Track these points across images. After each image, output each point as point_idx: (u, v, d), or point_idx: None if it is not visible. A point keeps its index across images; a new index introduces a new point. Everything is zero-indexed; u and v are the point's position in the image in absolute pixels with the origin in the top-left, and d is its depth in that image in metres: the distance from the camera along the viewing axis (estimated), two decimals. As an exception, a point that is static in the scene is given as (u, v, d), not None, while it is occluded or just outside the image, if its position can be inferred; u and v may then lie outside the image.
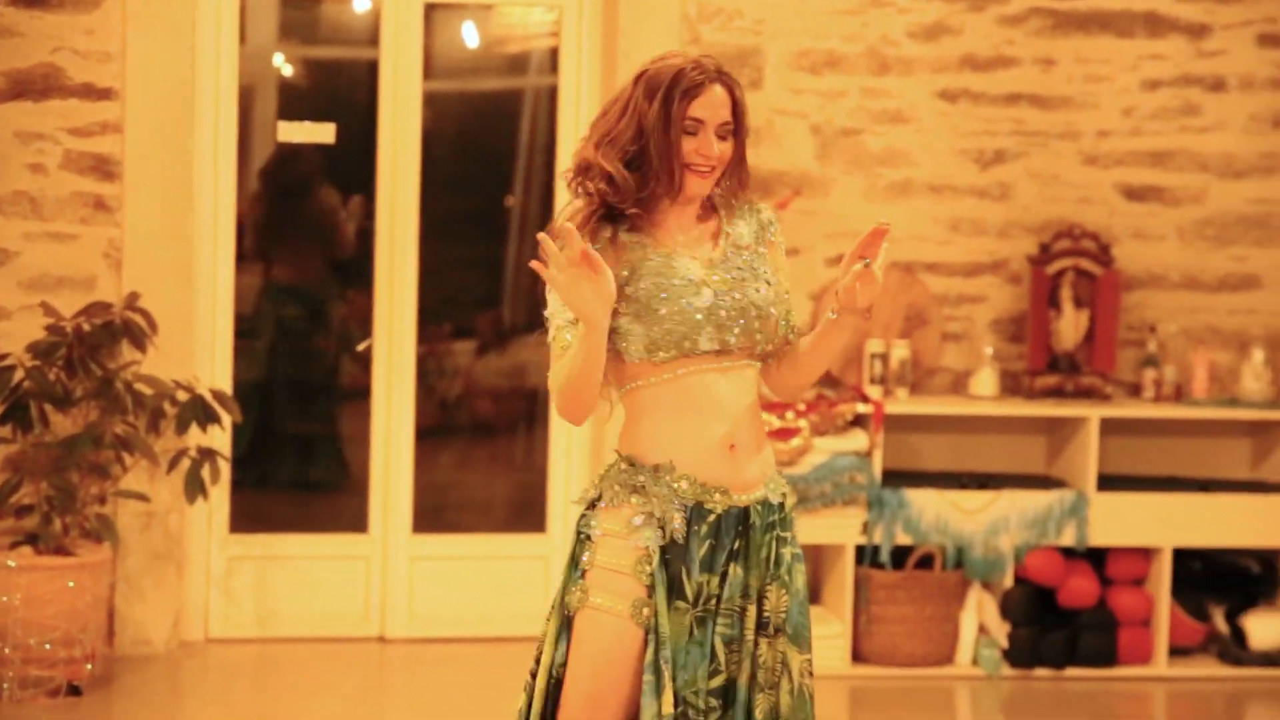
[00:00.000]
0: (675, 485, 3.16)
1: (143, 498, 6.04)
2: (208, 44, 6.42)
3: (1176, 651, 6.55)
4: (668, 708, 3.10)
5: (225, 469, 6.28)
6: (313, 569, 6.60)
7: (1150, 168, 6.80)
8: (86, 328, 5.94)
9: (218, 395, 6.04)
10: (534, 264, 3.05)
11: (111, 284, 6.23)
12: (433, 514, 6.72)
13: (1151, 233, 6.81)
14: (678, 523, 3.15)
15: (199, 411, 5.99)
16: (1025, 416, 6.60)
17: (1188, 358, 6.76)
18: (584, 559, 3.18)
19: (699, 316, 3.15)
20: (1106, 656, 6.42)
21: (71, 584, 5.72)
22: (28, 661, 5.67)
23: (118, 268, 6.24)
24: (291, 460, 6.84)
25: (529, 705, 3.23)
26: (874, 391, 6.44)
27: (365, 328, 6.68)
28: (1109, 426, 6.56)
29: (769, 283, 3.24)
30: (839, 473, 6.26)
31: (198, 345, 6.41)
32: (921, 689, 6.25)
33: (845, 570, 6.32)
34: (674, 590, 3.15)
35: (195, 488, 5.95)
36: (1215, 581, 6.68)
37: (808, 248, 6.65)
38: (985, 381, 6.58)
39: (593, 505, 3.23)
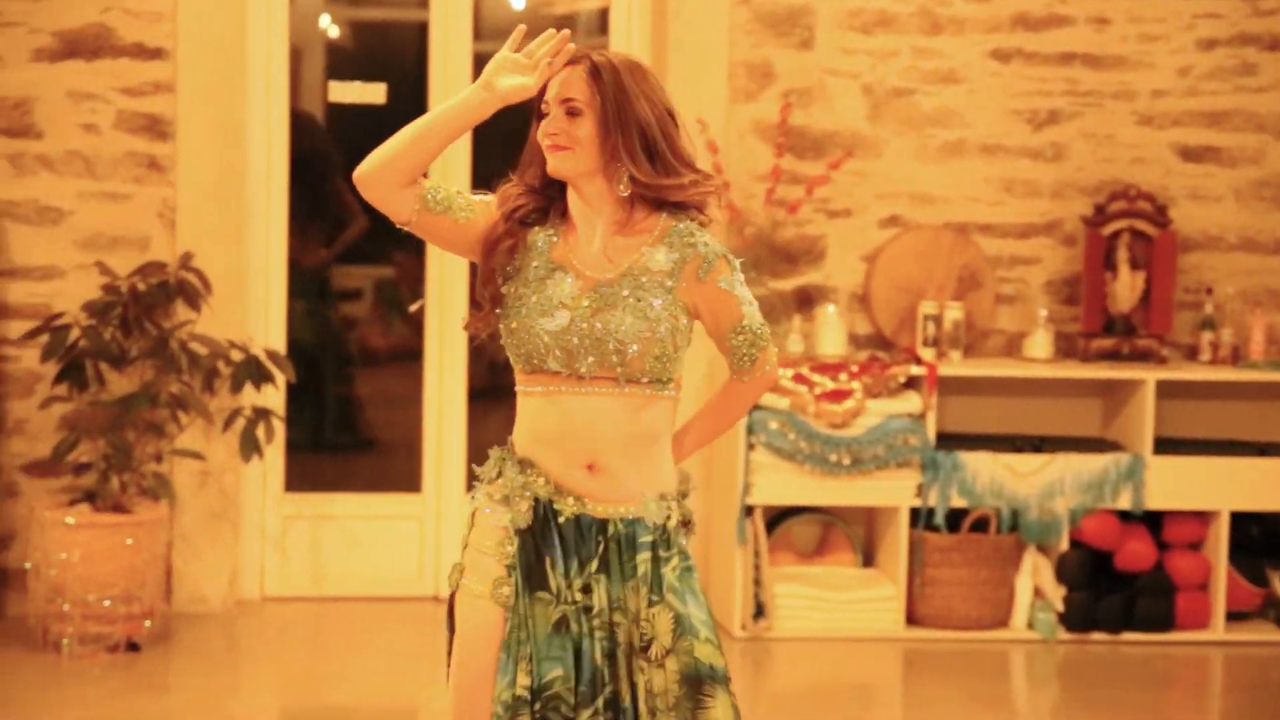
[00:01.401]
0: (532, 479, 3.13)
1: (198, 456, 6.05)
2: (258, 3, 6.41)
3: (1234, 616, 6.50)
4: (521, 688, 3.06)
5: (280, 429, 6.28)
6: (366, 528, 6.61)
7: (1206, 128, 6.74)
8: (141, 287, 5.95)
9: (272, 355, 6.05)
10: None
11: (165, 243, 6.23)
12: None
13: (1208, 193, 6.76)
14: (524, 509, 3.11)
15: (253, 371, 6.00)
16: (1080, 379, 6.56)
17: (1245, 320, 6.70)
18: (466, 535, 3.17)
19: (546, 339, 3.10)
20: (1163, 621, 6.38)
21: (129, 541, 5.74)
22: (87, 618, 5.70)
23: (171, 227, 6.24)
24: (345, 420, 6.84)
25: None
26: (927, 354, 6.41)
27: (417, 289, 6.67)
28: (1165, 389, 6.51)
29: (646, 318, 3.11)
30: (892, 435, 6.24)
31: (251, 305, 6.41)
32: (976, 652, 6.23)
33: (899, 533, 6.30)
34: (534, 578, 3.11)
35: (250, 447, 5.96)
36: (1273, 545, 6.64)
37: (860, 209, 6.62)
38: (1039, 344, 6.54)
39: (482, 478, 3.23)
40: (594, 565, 3.12)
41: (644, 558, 3.13)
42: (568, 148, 3.13)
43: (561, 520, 3.12)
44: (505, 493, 3.14)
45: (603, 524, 3.13)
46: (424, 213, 3.16)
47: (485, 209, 3.20)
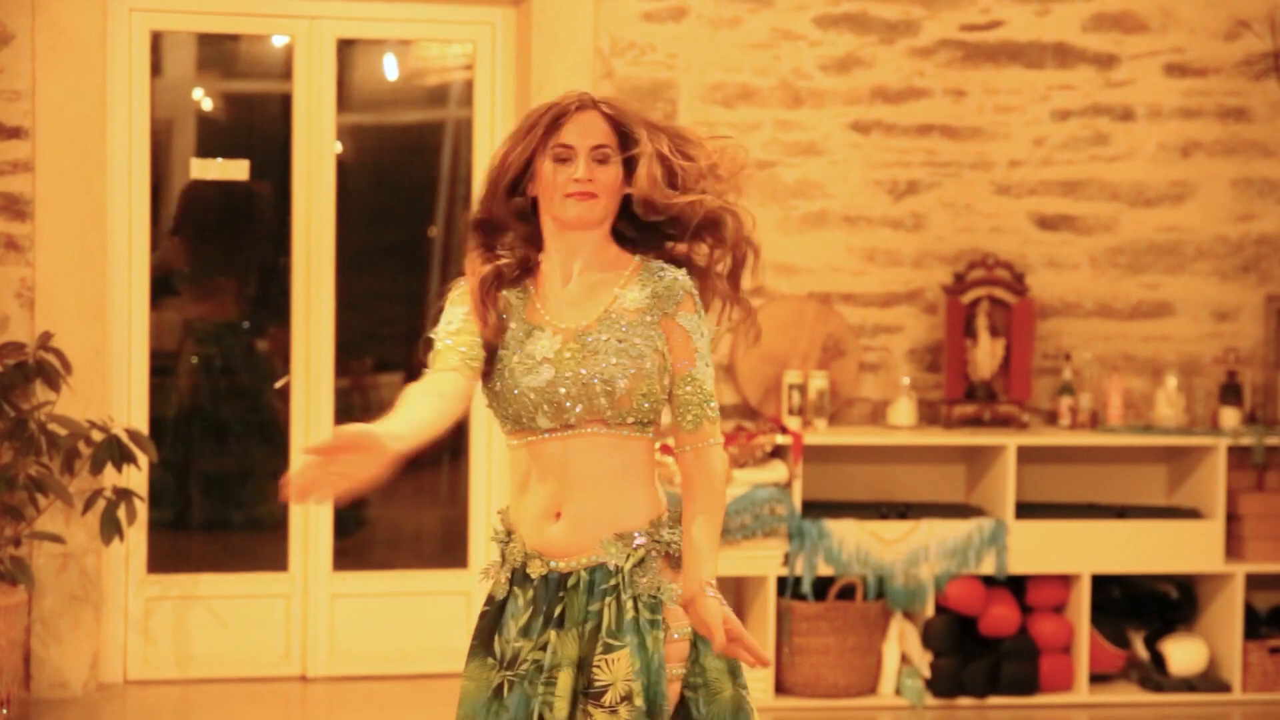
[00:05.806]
0: (513, 549, 3.15)
1: (58, 539, 5.98)
2: (119, 81, 6.39)
3: (1097, 678, 6.58)
4: None
5: (142, 509, 6.23)
6: (232, 608, 6.55)
7: (1062, 197, 6.86)
8: (-2, 369, 5.90)
9: (133, 435, 6.00)
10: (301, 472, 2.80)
11: (24, 324, 6.17)
12: (354, 551, 6.68)
13: (1064, 261, 6.88)
14: (502, 580, 3.15)
15: (114, 452, 5.94)
16: (943, 446, 6.64)
17: (1102, 385, 6.81)
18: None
19: (532, 397, 3.08)
20: (1028, 684, 6.44)
21: (-16, 628, 5.66)
22: (-59, 707, 5.62)
23: (30, 307, 6.19)
24: (210, 499, 6.79)
25: None
26: (793, 422, 6.46)
27: (285, 363, 6.64)
28: (1026, 454, 6.61)
29: (629, 355, 3.08)
30: (759, 504, 6.27)
31: (113, 384, 6.36)
32: None
33: (767, 602, 6.33)
34: (484, 645, 3.14)
35: (111, 529, 5.90)
36: (1134, 607, 6.73)
37: (725, 280, 6.66)
38: (903, 411, 6.61)
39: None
40: (552, 621, 3.10)
41: (605, 603, 3.08)
42: (596, 195, 3.10)
43: (535, 582, 3.11)
44: (492, 569, 3.18)
45: (564, 578, 3.11)
46: (475, 378, 3.09)
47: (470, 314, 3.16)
